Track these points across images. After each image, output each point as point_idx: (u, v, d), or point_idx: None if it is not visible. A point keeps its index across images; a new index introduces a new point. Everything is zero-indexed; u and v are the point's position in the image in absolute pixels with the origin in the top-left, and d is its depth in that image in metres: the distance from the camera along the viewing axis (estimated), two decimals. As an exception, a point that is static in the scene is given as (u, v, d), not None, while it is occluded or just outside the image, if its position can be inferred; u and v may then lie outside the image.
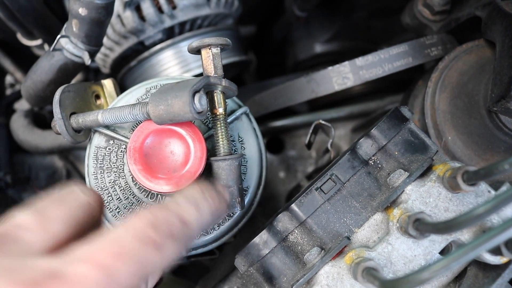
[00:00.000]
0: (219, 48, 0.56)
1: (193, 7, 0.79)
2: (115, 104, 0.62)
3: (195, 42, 0.56)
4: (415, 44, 0.71)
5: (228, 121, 0.60)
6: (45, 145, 0.85)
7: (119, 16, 0.78)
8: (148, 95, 0.62)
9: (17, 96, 0.99)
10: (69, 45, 0.67)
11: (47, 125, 0.93)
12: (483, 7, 0.72)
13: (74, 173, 0.97)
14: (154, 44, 0.80)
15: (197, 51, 0.57)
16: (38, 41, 0.85)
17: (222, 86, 0.55)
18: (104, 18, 0.65)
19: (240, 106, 0.63)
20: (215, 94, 0.56)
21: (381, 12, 0.97)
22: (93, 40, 0.67)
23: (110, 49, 0.81)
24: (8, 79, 1.03)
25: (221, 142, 0.55)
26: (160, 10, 0.78)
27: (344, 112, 0.88)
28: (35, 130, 0.85)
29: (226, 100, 0.60)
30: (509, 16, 0.65)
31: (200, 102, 0.51)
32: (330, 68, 0.70)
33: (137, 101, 0.62)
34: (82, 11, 0.63)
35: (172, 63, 0.81)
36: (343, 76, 0.70)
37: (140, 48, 0.81)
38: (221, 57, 0.56)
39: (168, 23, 0.78)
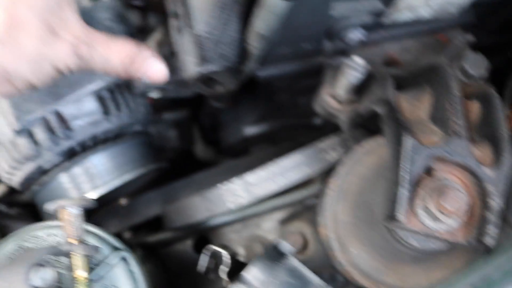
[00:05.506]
0: (77, 208, 0.54)
1: (90, 126, 0.76)
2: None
3: (51, 205, 0.54)
4: (310, 151, 0.67)
5: (99, 272, 0.57)
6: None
7: (12, 142, 0.75)
8: (22, 251, 0.59)
9: None
10: None
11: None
12: (380, 103, 0.68)
13: None
14: (56, 166, 0.78)
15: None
16: None
17: (80, 250, 0.52)
18: None
19: (116, 249, 0.60)
20: (74, 257, 0.53)
21: (304, 90, 0.94)
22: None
23: (11, 174, 0.79)
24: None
25: (83, 309, 0.52)
26: (54, 133, 0.76)
27: (267, 206, 0.83)
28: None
29: (100, 246, 0.58)
30: (401, 123, 0.60)
31: (43, 277, 0.48)
32: (221, 186, 0.67)
33: (9, 259, 0.58)
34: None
35: (77, 183, 0.78)
36: (235, 194, 0.66)
37: (43, 171, 0.79)
38: (82, 218, 0.54)
39: (64, 145, 0.76)
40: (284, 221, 0.88)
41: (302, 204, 0.85)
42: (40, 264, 0.47)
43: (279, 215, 0.88)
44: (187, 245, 0.90)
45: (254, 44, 0.63)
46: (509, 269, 0.41)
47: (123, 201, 0.99)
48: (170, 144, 1.13)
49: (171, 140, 1.14)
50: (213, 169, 0.94)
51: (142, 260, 0.83)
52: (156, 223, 0.91)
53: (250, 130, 1.00)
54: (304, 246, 0.87)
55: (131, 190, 0.97)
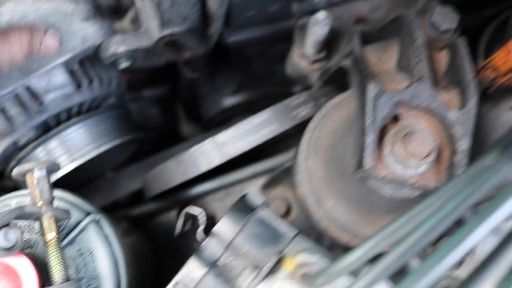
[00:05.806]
0: (44, 170, 0.54)
1: (62, 99, 0.76)
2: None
3: (15, 170, 0.55)
4: (280, 107, 0.67)
5: (72, 235, 0.57)
6: None
7: (-14, 119, 0.75)
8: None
9: None
10: None
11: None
12: (348, 56, 0.68)
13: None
14: (31, 141, 0.78)
15: (23, 176, 0.55)
16: None
17: (47, 212, 0.52)
18: None
19: (88, 214, 0.60)
20: (43, 219, 0.53)
21: (279, 57, 0.93)
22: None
23: (-13, 151, 0.79)
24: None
25: (54, 270, 0.52)
26: (26, 108, 0.76)
27: (248, 172, 0.83)
28: None
29: (71, 211, 0.58)
30: (365, 72, 0.60)
31: (7, 237, 0.48)
32: (193, 148, 0.67)
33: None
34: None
35: (54, 156, 0.78)
36: (207, 155, 0.66)
37: (19, 147, 0.79)
38: (49, 180, 0.54)
39: (38, 119, 0.76)
40: (266, 187, 0.88)
41: (282, 167, 0.85)
42: (5, 225, 0.48)
43: (262, 181, 0.88)
44: (172, 216, 0.90)
45: (213, 4, 0.63)
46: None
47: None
48: (153, 121, 1.14)
49: (153, 118, 1.14)
50: (193, 139, 0.94)
51: (125, 232, 0.84)
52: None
53: (229, 101, 0.99)
54: (287, 211, 0.87)
55: (115, 166, 0.98)
